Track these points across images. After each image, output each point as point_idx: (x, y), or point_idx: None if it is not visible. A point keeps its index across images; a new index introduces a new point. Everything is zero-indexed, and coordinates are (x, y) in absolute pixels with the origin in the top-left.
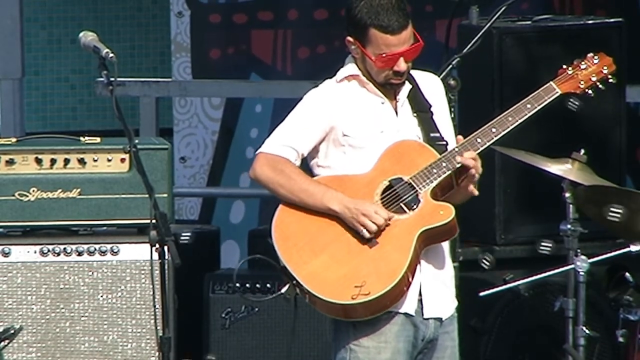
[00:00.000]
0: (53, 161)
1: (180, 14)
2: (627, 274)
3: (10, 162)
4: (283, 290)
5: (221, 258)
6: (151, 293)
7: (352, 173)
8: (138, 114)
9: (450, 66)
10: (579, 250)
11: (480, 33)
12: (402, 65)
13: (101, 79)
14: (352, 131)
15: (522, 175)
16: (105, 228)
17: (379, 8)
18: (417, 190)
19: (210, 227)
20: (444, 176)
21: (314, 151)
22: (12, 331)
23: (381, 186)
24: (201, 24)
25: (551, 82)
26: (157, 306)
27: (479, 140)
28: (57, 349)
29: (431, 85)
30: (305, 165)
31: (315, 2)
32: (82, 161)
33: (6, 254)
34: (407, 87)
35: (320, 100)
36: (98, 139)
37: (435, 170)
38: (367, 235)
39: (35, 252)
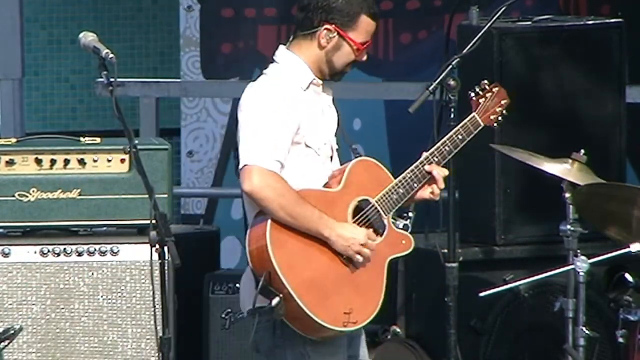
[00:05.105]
0: (53, 161)
1: (189, 7)
2: (627, 274)
3: (10, 163)
4: (273, 303)
5: (222, 254)
6: (151, 293)
7: (318, 187)
8: (138, 114)
9: (450, 66)
10: (579, 251)
11: (481, 33)
12: (365, 55)
13: (101, 80)
14: (312, 142)
15: (522, 175)
16: (105, 228)
17: None
18: (382, 215)
19: (210, 227)
20: (402, 203)
21: None
22: (12, 331)
23: (351, 206)
24: (211, 18)
25: (475, 115)
26: (157, 306)
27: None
28: (57, 349)
29: None
30: None
31: None
32: (82, 161)
33: (6, 254)
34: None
35: (287, 104)
36: (98, 139)
37: (395, 197)
38: (360, 261)
39: (35, 252)
